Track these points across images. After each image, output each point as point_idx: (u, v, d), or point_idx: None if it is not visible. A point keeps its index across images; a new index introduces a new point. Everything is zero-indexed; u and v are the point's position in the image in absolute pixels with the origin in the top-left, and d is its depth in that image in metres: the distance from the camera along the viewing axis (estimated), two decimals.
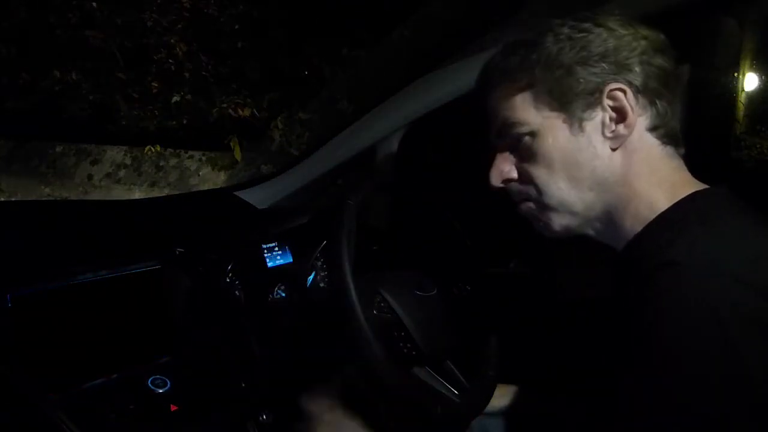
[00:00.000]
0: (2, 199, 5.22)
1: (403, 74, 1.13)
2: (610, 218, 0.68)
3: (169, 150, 5.30)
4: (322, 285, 1.10)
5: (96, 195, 5.34)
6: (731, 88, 1.12)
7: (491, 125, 0.74)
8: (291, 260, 1.25)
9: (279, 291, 1.16)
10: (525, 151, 0.70)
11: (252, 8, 4.99)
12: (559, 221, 0.70)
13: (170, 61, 5.24)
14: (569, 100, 0.66)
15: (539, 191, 0.70)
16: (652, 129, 0.67)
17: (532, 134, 0.68)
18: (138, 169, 5.41)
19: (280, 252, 1.24)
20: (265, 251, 1.22)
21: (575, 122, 0.66)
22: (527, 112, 0.68)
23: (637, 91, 0.66)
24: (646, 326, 0.55)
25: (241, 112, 4.79)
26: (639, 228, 0.65)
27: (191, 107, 5.24)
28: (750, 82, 1.96)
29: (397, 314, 0.89)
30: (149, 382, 0.94)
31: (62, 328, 0.91)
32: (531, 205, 0.72)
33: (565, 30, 0.67)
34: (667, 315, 0.53)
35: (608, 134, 0.66)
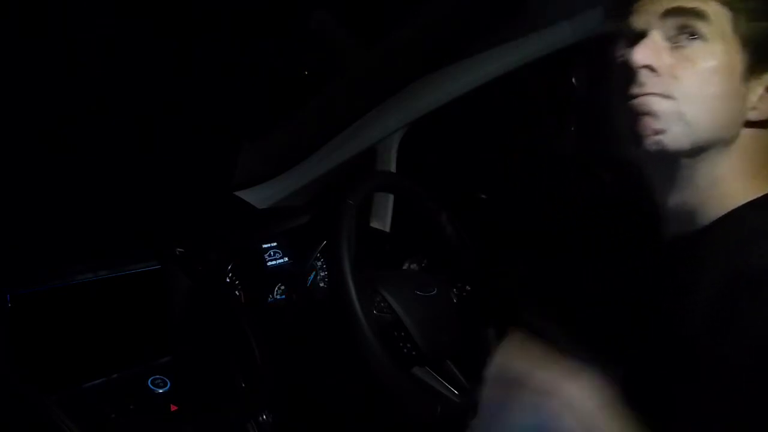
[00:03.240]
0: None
1: (403, 74, 1.13)
2: (711, 171, 0.63)
3: None
4: (322, 285, 1.10)
5: None
6: None
7: (655, 6, 0.63)
8: (291, 260, 1.25)
9: (279, 291, 1.16)
10: (688, 55, 0.61)
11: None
12: (682, 137, 0.61)
13: None
14: (752, 49, 0.60)
15: (684, 95, 0.61)
16: None
17: (707, 41, 0.60)
18: None
19: (279, 252, 1.24)
20: (265, 251, 1.22)
21: (746, 70, 0.61)
22: (718, 19, 0.60)
23: None
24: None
25: None
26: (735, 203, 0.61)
27: None
28: None
29: (397, 314, 0.89)
30: (149, 382, 0.94)
31: (62, 328, 0.91)
32: (665, 103, 0.62)
33: None
34: None
35: (758, 104, 0.61)
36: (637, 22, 0.63)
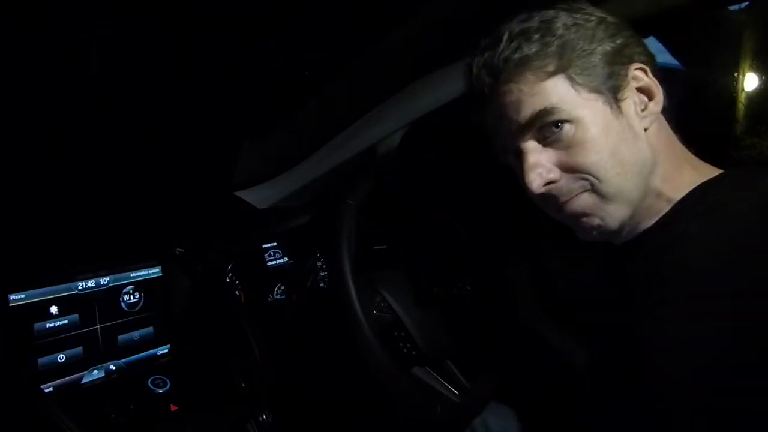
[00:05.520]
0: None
1: (403, 74, 1.13)
2: (650, 202, 0.64)
3: None
4: (322, 285, 1.10)
5: None
6: (731, 88, 1.12)
7: (511, 123, 0.65)
8: (291, 260, 1.25)
9: (279, 291, 1.16)
10: (568, 141, 0.62)
11: None
12: (617, 214, 0.64)
13: None
14: (602, 82, 0.63)
15: (598, 179, 0.62)
16: (663, 110, 0.66)
17: (574, 121, 0.62)
18: None
19: (279, 252, 1.24)
20: (265, 251, 1.22)
21: (613, 103, 0.63)
22: (565, 96, 0.62)
23: (652, 70, 0.65)
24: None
25: None
26: (673, 202, 0.64)
27: None
28: (750, 82, 1.96)
29: (397, 314, 0.89)
30: (149, 382, 0.94)
31: (63, 328, 0.91)
32: (587, 197, 0.64)
33: (569, 19, 0.64)
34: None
35: (642, 113, 0.64)
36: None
